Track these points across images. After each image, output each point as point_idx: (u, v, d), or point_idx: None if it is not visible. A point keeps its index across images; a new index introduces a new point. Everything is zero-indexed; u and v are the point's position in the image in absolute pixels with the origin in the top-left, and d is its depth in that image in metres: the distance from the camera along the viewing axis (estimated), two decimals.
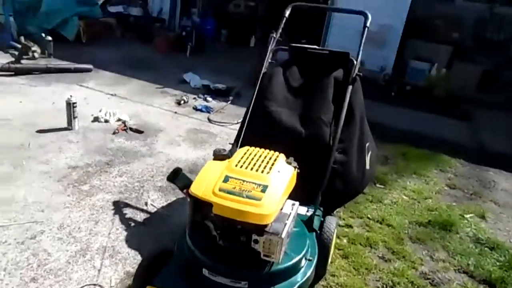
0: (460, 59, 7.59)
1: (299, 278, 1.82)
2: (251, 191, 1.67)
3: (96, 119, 4.12)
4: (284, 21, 2.86)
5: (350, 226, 2.80)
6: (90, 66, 5.69)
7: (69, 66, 5.52)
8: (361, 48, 2.67)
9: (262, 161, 1.84)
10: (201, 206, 1.70)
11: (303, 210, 2.24)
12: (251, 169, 1.78)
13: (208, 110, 4.92)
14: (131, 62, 6.54)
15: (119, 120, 4.14)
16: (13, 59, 5.38)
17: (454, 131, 5.32)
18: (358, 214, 2.97)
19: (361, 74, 2.58)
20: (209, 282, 1.75)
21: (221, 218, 1.67)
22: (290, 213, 1.81)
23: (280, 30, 2.83)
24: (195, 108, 4.92)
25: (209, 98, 5.29)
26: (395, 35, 7.55)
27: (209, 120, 4.62)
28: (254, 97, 2.54)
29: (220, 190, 1.67)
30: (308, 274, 1.86)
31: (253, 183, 1.70)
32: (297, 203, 1.91)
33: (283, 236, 1.65)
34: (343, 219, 2.87)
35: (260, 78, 2.60)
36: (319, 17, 8.13)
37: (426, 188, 3.54)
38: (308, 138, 2.38)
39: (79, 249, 2.27)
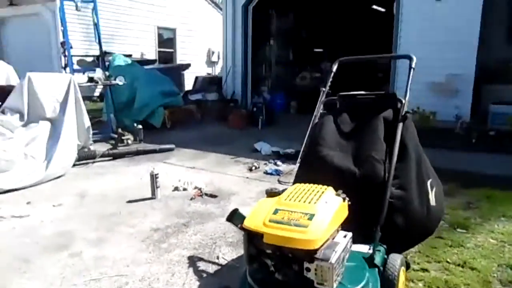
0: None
1: None
2: (298, 220, 1.77)
3: (176, 189, 4.57)
4: (332, 75, 3.10)
5: (426, 270, 2.63)
6: (172, 146, 6.40)
7: (154, 147, 6.28)
8: (409, 87, 2.75)
9: (310, 193, 1.95)
10: (254, 239, 1.83)
11: (365, 248, 2.22)
12: (299, 201, 1.90)
13: (278, 173, 5.14)
14: (208, 139, 7.20)
15: (196, 188, 4.52)
16: (111, 147, 6.31)
17: (478, 161, 4.79)
18: (435, 258, 2.78)
19: (411, 111, 2.62)
20: None
21: (272, 248, 1.77)
22: (341, 242, 1.84)
23: (329, 83, 3.06)
24: (266, 172, 5.18)
25: (279, 162, 5.54)
26: (466, 83, 7.33)
27: (279, 182, 4.80)
28: (304, 144, 2.71)
29: (270, 221, 1.80)
30: None
31: (300, 212, 1.81)
32: (350, 233, 1.94)
33: (333, 261, 1.69)
34: (418, 263, 2.71)
35: (310, 127, 2.78)
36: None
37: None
38: (362, 177, 2.42)
39: None
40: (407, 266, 2.55)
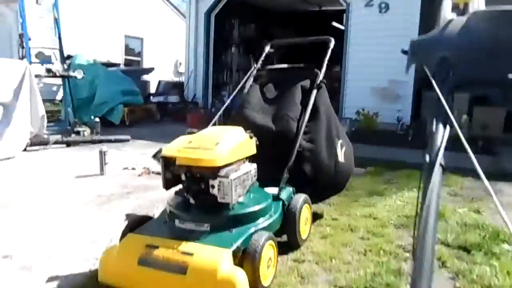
0: (479, 104, 7.74)
1: (254, 226, 2.08)
2: (206, 146, 2.08)
3: (125, 168, 4.77)
4: (264, 54, 3.48)
5: (336, 219, 2.99)
6: (128, 137, 6.59)
7: (110, 138, 6.44)
8: (325, 63, 3.15)
9: (221, 130, 2.28)
10: (169, 165, 2.12)
11: (276, 190, 2.55)
12: (211, 135, 2.22)
13: None
14: (165, 135, 7.36)
15: (144, 168, 4.75)
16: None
17: (471, 161, 5.33)
18: (347, 212, 3.16)
19: (325, 81, 3.03)
20: (180, 229, 2.08)
21: (183, 170, 2.07)
22: (245, 168, 2.17)
23: (260, 62, 3.43)
24: None
25: None
26: (407, 89, 7.98)
27: None
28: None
29: (184, 148, 2.11)
30: (262, 225, 2.11)
31: (209, 141, 2.13)
32: (254, 164, 2.28)
33: (232, 178, 2.00)
34: (331, 215, 3.06)
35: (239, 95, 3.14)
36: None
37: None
38: (277, 131, 2.78)
39: (91, 241, 2.67)
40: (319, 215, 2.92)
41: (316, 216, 3.08)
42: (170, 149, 2.14)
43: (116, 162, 4.91)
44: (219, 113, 2.90)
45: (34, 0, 6.72)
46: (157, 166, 4.78)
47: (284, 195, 2.47)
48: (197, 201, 2.11)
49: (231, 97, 3.30)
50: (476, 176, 3.89)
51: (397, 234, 2.70)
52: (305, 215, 2.53)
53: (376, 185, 4.02)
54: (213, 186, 2.03)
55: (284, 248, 2.42)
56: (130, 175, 4.50)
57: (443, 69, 1.01)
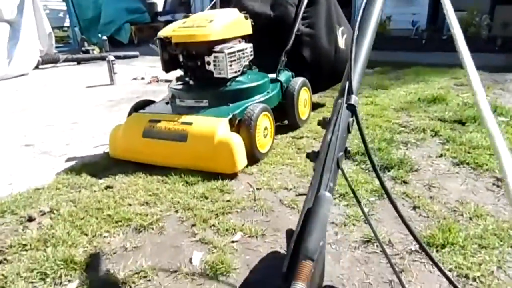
0: (501, 3, 7.27)
1: (250, 102, 2.16)
2: (200, 23, 2.10)
3: (134, 79, 4.86)
4: None
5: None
6: (136, 53, 6.59)
7: (118, 54, 6.45)
8: None
9: (216, 11, 2.27)
10: (166, 46, 2.16)
11: (274, 75, 2.59)
12: (205, 15, 2.22)
13: None
14: None
15: (153, 76, 4.82)
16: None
17: (486, 58, 5.15)
18: None
19: None
20: (181, 107, 2.19)
21: (180, 49, 2.12)
22: (240, 46, 2.20)
23: None
24: None
25: None
26: None
27: None
28: None
29: (178, 27, 2.13)
30: (258, 100, 2.19)
31: (204, 19, 2.14)
32: (250, 44, 2.30)
33: (226, 52, 2.04)
34: (331, 105, 3.11)
35: None
36: None
37: (428, 87, 3.62)
38: (275, 17, 2.74)
39: (102, 132, 2.84)
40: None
41: (317, 106, 3.15)
42: (166, 30, 2.17)
43: (126, 74, 5.00)
44: (214, 1, 2.84)
45: None
46: (165, 74, 4.85)
47: (282, 77, 2.51)
48: (196, 80, 2.19)
49: None
50: (490, 70, 3.79)
51: (396, 115, 2.76)
52: (303, 96, 2.60)
53: (381, 81, 3.99)
54: (209, 63, 2.09)
55: (285, 129, 2.54)
56: (139, 84, 4.60)
57: None
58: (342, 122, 0.67)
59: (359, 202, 0.75)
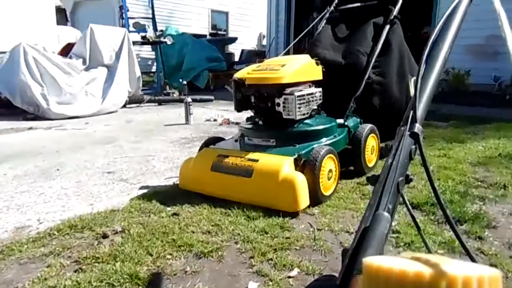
0: None
1: (317, 144, 2.19)
2: (273, 68, 2.24)
3: (207, 120, 5.17)
4: (336, 0, 3.47)
5: None
6: (211, 97, 7.04)
7: (195, 97, 6.94)
8: (400, 0, 3.04)
9: (289, 56, 2.40)
10: (240, 86, 2.32)
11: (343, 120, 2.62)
12: (278, 60, 2.36)
13: None
14: None
15: (225, 119, 5.09)
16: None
17: None
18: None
19: (399, 16, 2.95)
20: (248, 145, 2.29)
21: (253, 90, 2.26)
22: (309, 89, 2.28)
23: (333, 5, 3.43)
24: None
25: None
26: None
27: None
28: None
29: (252, 71, 2.29)
30: (325, 143, 2.21)
31: (276, 64, 2.27)
32: (320, 88, 2.37)
33: (296, 94, 2.13)
34: None
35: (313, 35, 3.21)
36: None
37: (510, 143, 3.36)
38: (346, 65, 2.82)
39: (175, 166, 3.05)
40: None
41: (386, 155, 3.07)
42: (241, 72, 2.34)
43: (200, 116, 5.35)
44: (288, 47, 3.00)
45: None
46: (236, 117, 5.10)
47: (350, 123, 2.53)
48: (265, 120, 2.29)
49: (301, 35, 3.38)
50: None
51: (472, 169, 2.59)
52: (371, 143, 2.57)
53: (457, 135, 3.80)
54: (278, 104, 2.19)
55: (350, 175, 2.51)
56: (211, 125, 4.88)
57: None
58: (404, 149, 0.68)
59: (418, 229, 0.73)
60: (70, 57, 6.12)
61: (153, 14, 7.71)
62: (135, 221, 1.92)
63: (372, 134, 2.58)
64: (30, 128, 4.70)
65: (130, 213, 2.04)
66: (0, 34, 6.14)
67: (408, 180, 0.69)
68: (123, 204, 2.19)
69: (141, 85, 6.88)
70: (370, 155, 2.57)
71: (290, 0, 10.21)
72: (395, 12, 2.96)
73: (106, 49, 6.26)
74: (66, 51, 6.37)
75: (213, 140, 2.50)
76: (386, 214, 0.59)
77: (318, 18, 3.33)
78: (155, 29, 7.71)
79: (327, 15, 3.37)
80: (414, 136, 0.70)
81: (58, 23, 7.60)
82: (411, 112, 0.71)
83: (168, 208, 2.08)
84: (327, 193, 2.09)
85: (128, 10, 7.46)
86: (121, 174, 2.83)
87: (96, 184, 2.60)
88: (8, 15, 6.39)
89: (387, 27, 2.88)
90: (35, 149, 3.61)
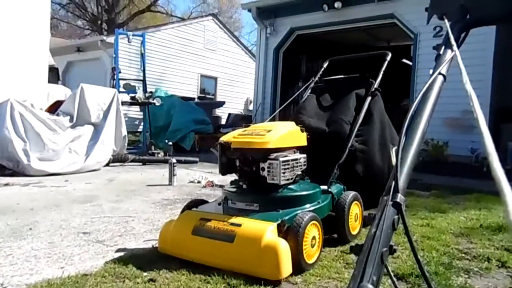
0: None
1: (300, 210, 2.18)
2: (259, 133, 2.29)
3: (191, 182, 5.13)
4: (322, 70, 3.68)
5: None
6: (196, 159, 7.06)
7: (180, 158, 6.95)
8: (380, 73, 3.24)
9: (275, 122, 2.47)
10: (225, 150, 2.34)
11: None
12: (264, 125, 2.42)
13: None
14: None
15: (208, 181, 5.06)
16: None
17: None
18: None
19: (380, 89, 3.12)
20: (232, 209, 2.26)
21: (238, 154, 2.28)
22: (294, 155, 2.32)
23: (318, 76, 3.62)
24: None
25: None
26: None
27: None
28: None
29: (238, 135, 2.33)
30: (309, 209, 2.20)
31: (262, 129, 2.33)
32: (304, 154, 2.41)
33: (281, 159, 2.16)
34: None
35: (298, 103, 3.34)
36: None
37: (492, 215, 3.41)
38: (330, 133, 2.90)
39: (155, 228, 2.95)
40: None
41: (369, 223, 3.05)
42: (227, 136, 2.37)
43: (184, 177, 5.31)
44: (274, 113, 3.09)
45: (126, 39, 7.74)
46: (220, 179, 5.08)
47: (334, 189, 2.54)
48: (249, 184, 2.29)
49: (286, 103, 3.51)
50: None
51: (455, 240, 2.58)
52: (355, 211, 2.56)
53: (439, 205, 3.84)
54: (263, 169, 2.20)
55: (333, 242, 2.47)
56: (195, 186, 4.83)
57: (460, 14, 1.11)
58: (387, 219, 0.68)
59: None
60: (58, 114, 6.16)
61: (144, 76, 7.97)
62: (108, 286, 1.81)
63: (356, 201, 2.58)
64: (6, 184, 4.55)
65: (103, 278, 1.92)
66: None
67: (392, 250, 0.68)
68: (97, 268, 2.07)
69: (126, 144, 6.89)
70: (354, 223, 2.55)
71: (277, 69, 10.74)
72: (376, 84, 3.13)
73: (94, 108, 6.34)
74: (54, 108, 6.42)
75: (196, 203, 2.46)
76: (370, 286, 0.57)
77: (303, 87, 3.49)
78: (144, 90, 7.92)
79: (312, 84, 3.54)
80: (396, 206, 0.71)
81: (49, 81, 7.73)
82: (393, 182, 0.72)
83: (145, 274, 1.97)
84: (310, 261, 2.03)
85: (120, 72, 7.69)
86: (98, 235, 2.71)
87: (70, 245, 2.48)
88: (0, 72, 6.50)
89: (369, 98, 3.03)
90: (9, 206, 3.47)
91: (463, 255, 2.30)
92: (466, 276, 2.00)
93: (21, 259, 2.19)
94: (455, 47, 0.99)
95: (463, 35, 1.13)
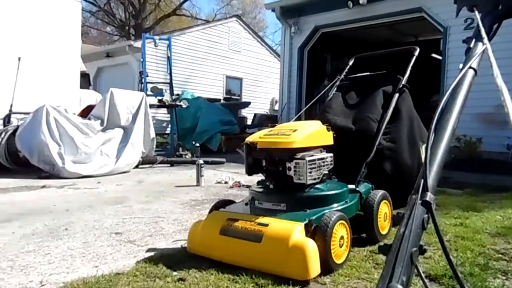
0: None
1: (328, 209, 2.16)
2: (284, 132, 2.28)
3: (218, 182, 5.18)
4: (348, 67, 3.62)
5: None
6: (223, 160, 7.12)
7: (207, 159, 7.02)
8: (408, 68, 3.15)
9: (300, 122, 2.46)
10: (251, 150, 2.35)
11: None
12: (290, 125, 2.41)
13: None
14: None
15: (235, 181, 5.09)
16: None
17: None
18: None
19: (407, 85, 3.04)
20: (259, 209, 2.27)
21: (264, 154, 2.28)
22: (320, 154, 2.30)
23: (344, 73, 3.57)
24: None
25: None
26: None
27: None
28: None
29: (264, 135, 2.34)
30: (336, 209, 2.17)
31: (288, 129, 2.32)
32: (331, 154, 2.38)
33: (307, 159, 2.15)
34: None
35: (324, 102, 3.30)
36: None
37: None
38: (357, 131, 2.86)
39: (183, 228, 3.00)
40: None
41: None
42: (253, 136, 2.38)
43: (211, 178, 5.37)
44: (300, 113, 3.08)
45: (153, 43, 7.91)
46: (247, 180, 5.10)
47: (361, 188, 2.50)
48: (276, 184, 2.29)
49: (312, 102, 3.49)
50: None
51: (491, 240, 2.49)
52: (384, 210, 2.51)
53: (473, 203, 3.70)
54: (289, 168, 2.19)
55: (362, 242, 2.43)
56: (222, 187, 4.88)
57: (491, 5, 1.07)
58: (416, 218, 0.67)
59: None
60: (89, 118, 6.37)
61: (170, 79, 8.12)
62: (139, 285, 1.86)
63: (385, 200, 2.53)
64: (43, 187, 4.76)
65: (135, 277, 1.97)
66: (27, 96, 6.48)
67: (422, 250, 0.66)
68: (129, 267, 2.13)
69: (155, 146, 7.04)
70: (383, 222, 2.50)
71: (302, 68, 10.68)
72: (404, 81, 3.06)
73: (123, 111, 6.52)
74: (86, 112, 6.65)
75: (223, 203, 2.48)
76: (400, 286, 0.56)
77: (329, 86, 3.45)
78: (171, 93, 8.06)
79: (338, 82, 3.50)
80: (426, 204, 0.69)
81: (81, 87, 8.02)
82: (422, 180, 0.71)
83: (175, 273, 2.01)
84: (338, 261, 2.01)
85: (147, 76, 7.87)
86: (129, 235, 2.79)
87: (103, 245, 2.56)
88: (36, 79, 6.80)
89: (396, 95, 2.97)
90: (46, 207, 3.62)
91: (500, 255, 2.21)
92: (504, 278, 1.92)
93: (58, 258, 2.29)
94: (485, 40, 0.95)
95: (495, 27, 1.09)
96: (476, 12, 1.13)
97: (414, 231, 0.64)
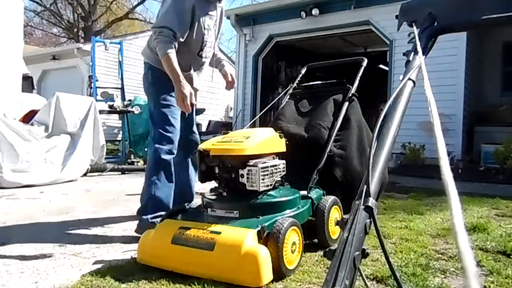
0: None
1: (280, 216, 2.18)
2: (237, 139, 2.28)
3: None
4: (300, 76, 3.71)
5: None
6: None
7: None
8: (357, 78, 3.28)
9: (253, 129, 2.47)
10: (204, 157, 2.33)
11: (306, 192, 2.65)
12: (242, 132, 2.42)
13: None
14: None
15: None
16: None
17: None
18: (381, 225, 3.12)
19: (357, 94, 3.17)
20: (211, 216, 2.24)
21: (216, 161, 2.27)
22: (273, 161, 2.32)
23: (296, 82, 3.65)
24: None
25: None
26: (456, 123, 7.78)
27: None
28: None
29: (217, 142, 2.33)
30: (288, 215, 2.20)
31: (241, 136, 2.33)
32: (283, 160, 2.42)
33: (260, 166, 2.16)
34: None
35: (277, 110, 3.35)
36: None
37: (467, 215, 3.50)
38: (308, 138, 2.92)
39: (134, 238, 2.89)
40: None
41: None
42: (206, 143, 2.36)
43: None
44: (253, 120, 3.10)
45: (104, 47, 7.63)
46: (200, 187, 5.03)
47: (313, 195, 2.56)
48: (228, 191, 2.28)
49: (265, 109, 3.53)
50: None
51: (432, 241, 2.64)
52: (334, 215, 2.58)
53: (417, 207, 3.92)
54: (242, 175, 2.19)
55: (314, 247, 2.48)
56: None
57: (428, 21, 1.14)
58: (359, 223, 0.69)
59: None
60: (32, 124, 6.00)
61: (122, 85, 7.87)
62: None
63: (335, 206, 2.61)
64: None
65: None
66: None
67: (365, 254, 0.69)
68: (73, 281, 2.02)
69: (104, 153, 6.76)
70: (334, 227, 2.57)
71: (256, 76, 10.80)
72: (353, 90, 3.18)
73: (70, 117, 6.21)
74: (28, 118, 6.26)
75: (176, 211, 2.43)
76: None
77: (282, 93, 3.51)
78: (123, 99, 7.81)
79: (291, 90, 3.57)
80: (368, 210, 0.72)
81: (23, 90, 7.54)
82: (365, 186, 0.74)
83: (123, 285, 1.93)
84: (291, 267, 2.03)
85: (97, 80, 7.58)
86: (74, 247, 2.64)
87: (45, 259, 2.40)
88: None
89: (346, 103, 3.08)
90: None
91: (440, 255, 2.35)
92: (443, 276, 2.04)
93: None
94: (420, 54, 1.01)
95: (431, 42, 1.17)
96: (415, 28, 1.20)
97: (357, 236, 0.66)
